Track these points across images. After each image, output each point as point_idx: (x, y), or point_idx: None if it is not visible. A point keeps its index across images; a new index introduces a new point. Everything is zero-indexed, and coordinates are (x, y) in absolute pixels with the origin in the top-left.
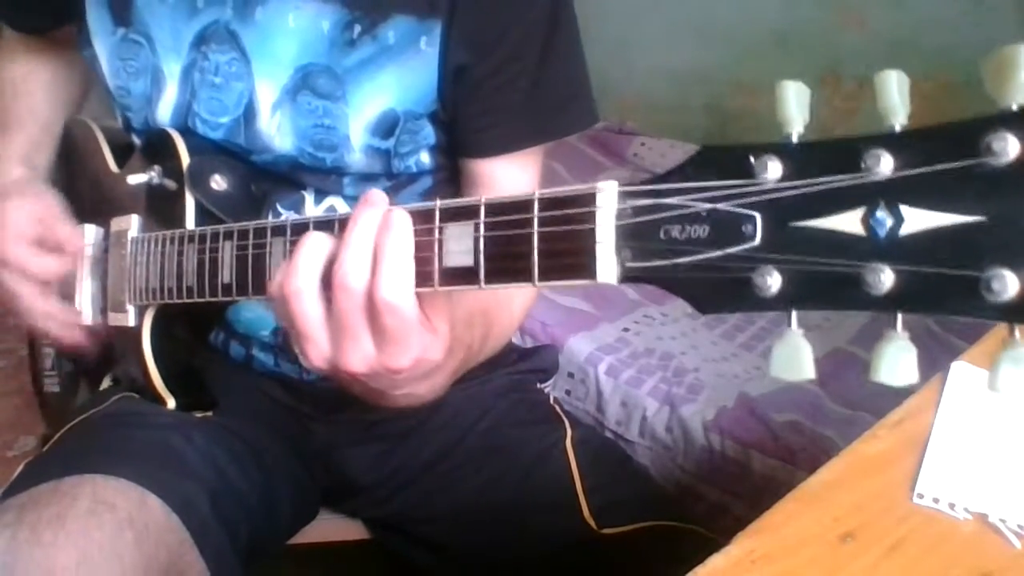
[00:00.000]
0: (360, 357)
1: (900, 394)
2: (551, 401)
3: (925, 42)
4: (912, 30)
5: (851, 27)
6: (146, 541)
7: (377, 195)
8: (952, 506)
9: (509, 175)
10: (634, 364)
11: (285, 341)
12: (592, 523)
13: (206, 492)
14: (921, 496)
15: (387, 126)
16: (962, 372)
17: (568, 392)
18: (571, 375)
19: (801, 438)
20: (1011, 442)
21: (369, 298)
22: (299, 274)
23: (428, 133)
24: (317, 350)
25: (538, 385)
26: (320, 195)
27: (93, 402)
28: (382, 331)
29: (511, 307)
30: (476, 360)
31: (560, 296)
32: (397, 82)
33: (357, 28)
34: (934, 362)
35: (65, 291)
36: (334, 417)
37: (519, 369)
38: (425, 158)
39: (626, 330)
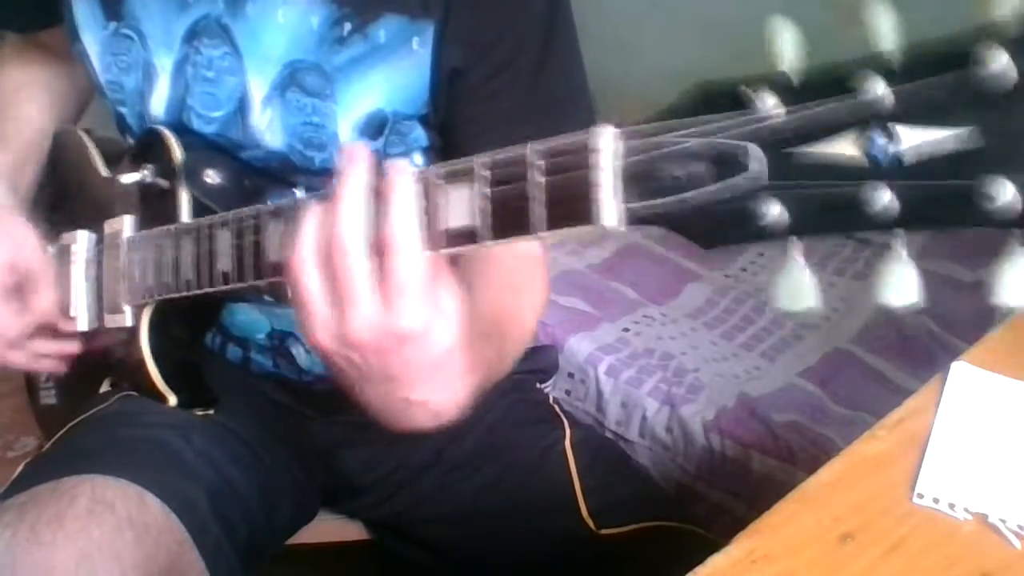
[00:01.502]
0: (364, 319)
1: (900, 394)
2: (550, 401)
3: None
4: (912, 30)
5: (851, 27)
6: (145, 541)
7: (360, 149)
8: (952, 506)
9: None
10: (634, 364)
11: (281, 345)
12: (591, 523)
13: (205, 492)
14: (921, 496)
15: (375, 126)
16: (962, 372)
17: (568, 392)
18: (571, 375)
19: (801, 438)
20: (1011, 442)
21: (376, 245)
22: (301, 244)
23: (419, 135)
24: (321, 321)
25: (537, 385)
26: (311, 193)
27: (93, 403)
28: (388, 279)
29: (523, 316)
30: (498, 375)
31: (560, 296)
32: (387, 82)
33: (347, 26)
34: (934, 362)
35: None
36: (333, 418)
37: (518, 369)
38: (418, 160)
39: (626, 330)
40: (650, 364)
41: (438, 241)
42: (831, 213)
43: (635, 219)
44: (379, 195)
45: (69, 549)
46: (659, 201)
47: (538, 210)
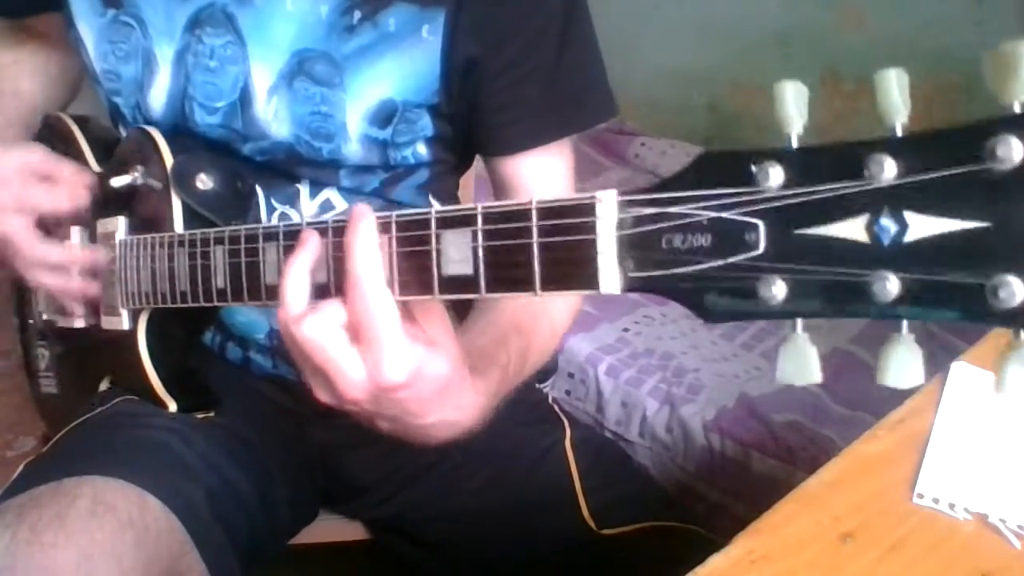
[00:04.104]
0: (351, 384)
1: (900, 394)
2: (550, 401)
3: (925, 42)
4: (912, 30)
5: (851, 27)
6: (146, 542)
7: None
8: (952, 506)
9: (539, 172)
10: (634, 364)
11: (280, 345)
12: (591, 523)
13: (206, 493)
14: (921, 496)
15: (384, 115)
16: (962, 372)
17: (568, 392)
18: (571, 375)
19: (801, 438)
20: (1011, 442)
21: (344, 300)
22: (283, 321)
23: (425, 124)
24: (316, 385)
25: (537, 385)
26: (316, 188)
27: (93, 404)
28: (361, 337)
29: (551, 317)
30: (521, 377)
31: None
32: (397, 70)
33: (357, 14)
34: (934, 362)
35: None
36: (333, 419)
37: None
38: (422, 149)
39: (626, 330)
40: (650, 364)
41: (433, 287)
42: (836, 297)
43: (634, 287)
44: (342, 244)
45: (70, 550)
46: (660, 273)
47: (536, 270)
